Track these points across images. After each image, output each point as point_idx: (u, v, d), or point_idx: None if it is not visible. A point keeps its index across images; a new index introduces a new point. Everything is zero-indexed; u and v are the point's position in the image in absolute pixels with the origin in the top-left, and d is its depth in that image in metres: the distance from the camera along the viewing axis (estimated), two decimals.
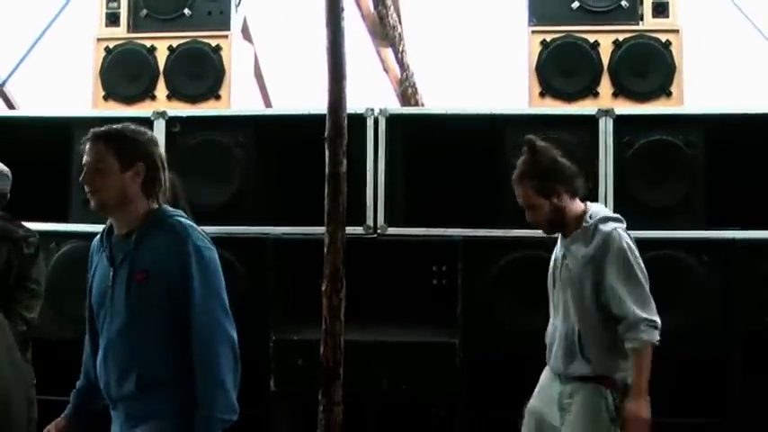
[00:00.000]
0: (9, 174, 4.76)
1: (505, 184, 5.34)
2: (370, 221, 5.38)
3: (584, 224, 3.97)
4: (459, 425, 5.22)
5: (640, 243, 5.11)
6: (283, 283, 5.38)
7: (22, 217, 5.37)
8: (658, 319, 3.85)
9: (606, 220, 3.97)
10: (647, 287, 3.88)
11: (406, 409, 5.53)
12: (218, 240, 5.20)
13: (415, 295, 5.54)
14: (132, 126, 3.31)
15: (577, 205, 4.02)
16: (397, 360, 5.18)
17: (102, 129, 3.26)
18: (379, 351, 5.18)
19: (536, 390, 4.20)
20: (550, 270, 4.18)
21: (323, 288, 4.32)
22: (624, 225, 4.00)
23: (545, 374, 4.19)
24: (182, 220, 3.24)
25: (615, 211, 5.19)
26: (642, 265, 3.91)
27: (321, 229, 4.39)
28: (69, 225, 5.62)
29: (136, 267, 3.14)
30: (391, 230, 5.40)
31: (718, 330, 5.15)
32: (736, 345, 5.12)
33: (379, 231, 5.39)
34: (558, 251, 4.14)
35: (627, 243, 3.89)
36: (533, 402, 4.15)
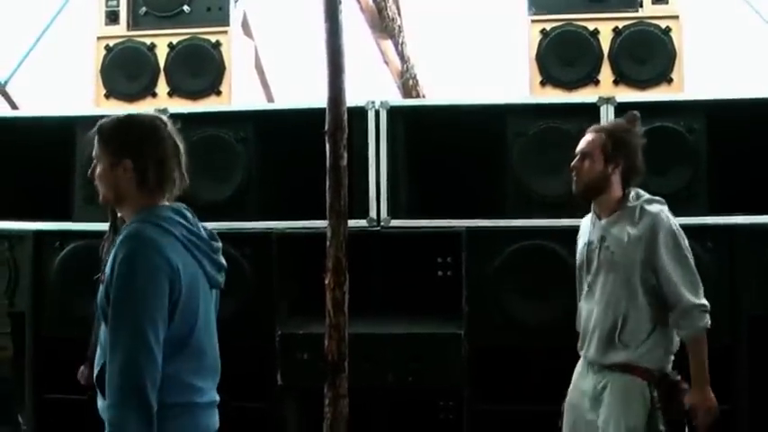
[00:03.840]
0: None
1: (508, 173, 5.38)
2: (373, 214, 5.38)
3: (629, 204, 3.89)
4: (467, 416, 5.22)
5: None
6: (288, 278, 5.39)
7: (25, 216, 5.41)
8: (708, 304, 3.82)
9: (651, 201, 3.91)
10: (695, 272, 3.84)
11: (413, 401, 5.54)
12: (221, 236, 5.24)
13: (420, 287, 5.54)
14: (134, 117, 3.09)
15: (620, 190, 3.95)
16: (402, 352, 5.18)
17: (103, 120, 3.06)
18: (384, 344, 5.18)
19: (571, 384, 4.13)
20: (582, 253, 4.10)
21: (326, 282, 4.32)
22: (667, 207, 3.94)
23: (578, 367, 4.13)
24: (140, 224, 2.90)
25: None
26: (689, 248, 3.87)
27: (324, 223, 4.39)
28: (73, 224, 5.63)
29: (103, 267, 2.94)
30: (394, 223, 5.40)
31: (724, 317, 5.13)
32: (741, 331, 5.11)
33: (382, 224, 5.39)
34: (590, 234, 4.04)
35: (675, 225, 3.86)
36: (569, 398, 4.08)
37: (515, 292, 5.18)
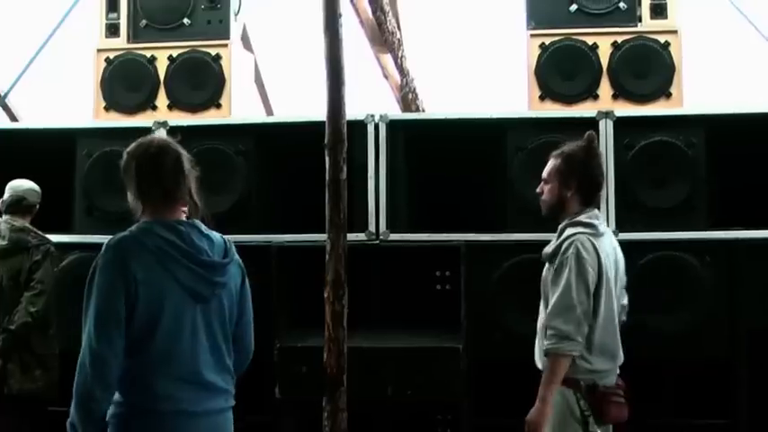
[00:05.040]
0: (38, 189, 5.52)
1: (507, 187, 5.38)
2: (372, 227, 5.39)
3: (560, 225, 4.01)
4: (465, 430, 5.21)
5: (642, 245, 5.16)
6: (287, 291, 5.39)
7: None
8: (572, 331, 3.76)
9: (575, 224, 3.95)
10: (576, 297, 3.79)
11: (412, 414, 5.52)
12: None
13: (419, 301, 5.54)
14: (141, 142, 3.29)
15: (577, 207, 4.01)
16: (401, 366, 5.18)
17: None
18: (383, 357, 5.18)
19: None
20: None
21: (325, 295, 4.33)
22: (592, 232, 3.91)
23: None
24: (117, 234, 3.12)
25: (617, 213, 5.23)
26: (587, 275, 3.81)
27: (323, 236, 4.40)
28: (73, 236, 5.64)
29: None
30: (393, 236, 5.40)
31: (722, 331, 5.15)
32: (740, 345, 5.11)
33: (381, 237, 5.39)
34: None
35: (577, 250, 3.83)
36: None
37: (514, 305, 5.17)
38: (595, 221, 3.98)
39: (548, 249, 3.99)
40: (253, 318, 3.46)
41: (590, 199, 4.03)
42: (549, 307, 3.86)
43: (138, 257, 3.02)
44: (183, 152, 3.25)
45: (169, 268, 3.06)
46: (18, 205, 5.42)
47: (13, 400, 5.23)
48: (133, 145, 3.26)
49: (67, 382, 4.58)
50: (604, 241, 3.96)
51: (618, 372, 4.00)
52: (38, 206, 5.50)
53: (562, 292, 3.82)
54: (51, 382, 5.30)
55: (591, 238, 3.90)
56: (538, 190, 4.15)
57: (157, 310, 3.02)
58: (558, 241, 3.93)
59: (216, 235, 3.28)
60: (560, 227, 4.00)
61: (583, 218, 3.97)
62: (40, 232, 5.43)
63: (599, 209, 4.13)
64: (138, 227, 3.12)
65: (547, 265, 4.01)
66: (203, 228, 3.25)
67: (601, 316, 3.87)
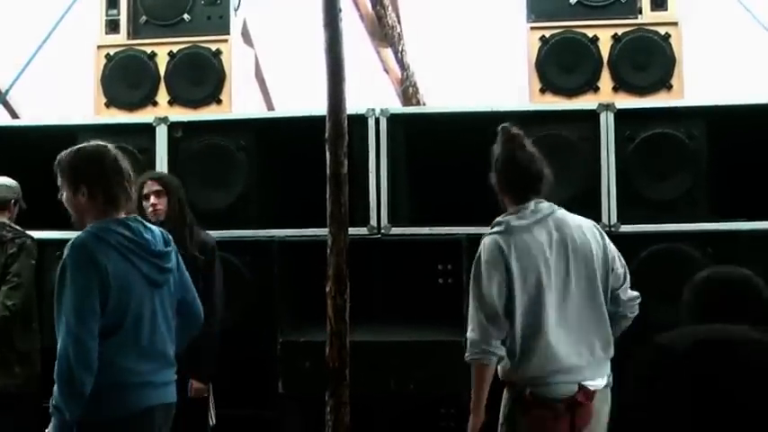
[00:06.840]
0: (13, 184, 5.47)
1: None
2: (373, 222, 5.39)
3: None
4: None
5: (644, 237, 5.17)
6: (289, 286, 5.39)
7: (26, 225, 5.41)
8: (476, 338, 3.63)
9: (493, 225, 3.82)
10: (479, 303, 3.66)
11: (414, 408, 5.53)
12: (222, 244, 5.27)
13: (421, 294, 5.53)
14: (83, 148, 3.64)
15: (511, 209, 3.86)
16: (403, 360, 5.18)
17: (62, 153, 3.61)
18: (385, 351, 5.18)
19: None
20: None
21: (327, 289, 4.32)
22: (501, 229, 3.76)
23: None
24: (81, 234, 3.43)
25: (618, 205, 5.22)
26: (485, 276, 3.67)
27: (325, 231, 4.40)
28: (73, 233, 5.61)
29: None
30: (395, 230, 5.41)
31: None
32: None
33: (382, 231, 5.39)
34: None
35: (480, 253, 3.73)
36: None
37: None
38: (508, 218, 3.79)
39: None
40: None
41: (520, 194, 3.85)
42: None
43: (104, 252, 3.36)
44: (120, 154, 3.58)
45: (130, 260, 3.42)
46: None
47: None
48: (70, 151, 3.57)
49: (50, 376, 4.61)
50: (529, 235, 3.73)
51: (580, 387, 3.67)
52: (14, 201, 5.42)
53: (471, 299, 3.71)
54: (31, 376, 5.24)
55: (498, 237, 3.72)
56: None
57: (126, 297, 3.38)
58: None
59: (155, 227, 3.65)
60: None
61: (500, 217, 3.83)
62: (17, 227, 5.38)
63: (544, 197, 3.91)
64: (94, 227, 3.43)
65: None
66: (145, 222, 3.61)
67: (518, 319, 3.65)
